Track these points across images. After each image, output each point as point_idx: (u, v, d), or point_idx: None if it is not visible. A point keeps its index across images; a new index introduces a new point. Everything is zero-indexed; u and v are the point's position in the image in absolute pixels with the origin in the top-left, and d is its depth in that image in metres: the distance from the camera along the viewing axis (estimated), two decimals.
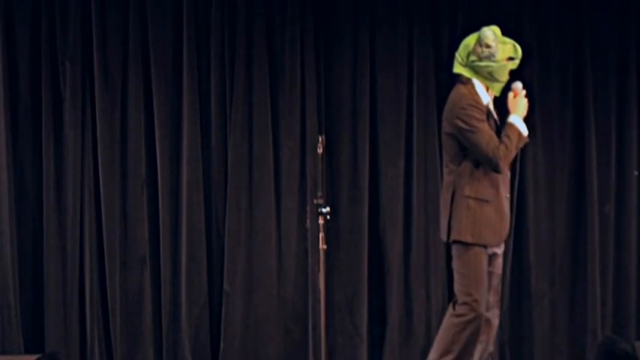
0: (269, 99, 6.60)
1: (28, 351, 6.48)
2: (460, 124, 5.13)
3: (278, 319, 6.60)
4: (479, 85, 5.22)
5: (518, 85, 5.25)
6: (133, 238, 6.59)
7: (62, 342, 6.53)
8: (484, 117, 5.16)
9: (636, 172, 6.68)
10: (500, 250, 5.33)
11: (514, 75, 6.55)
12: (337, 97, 6.66)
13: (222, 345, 6.57)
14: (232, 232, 6.58)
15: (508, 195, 5.23)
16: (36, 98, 6.58)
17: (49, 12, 6.56)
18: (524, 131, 5.19)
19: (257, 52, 6.60)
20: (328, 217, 5.33)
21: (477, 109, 5.16)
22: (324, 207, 5.30)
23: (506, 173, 5.24)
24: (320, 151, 5.38)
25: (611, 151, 6.68)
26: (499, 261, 5.31)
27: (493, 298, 5.27)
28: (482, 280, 5.14)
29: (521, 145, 5.20)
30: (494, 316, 5.30)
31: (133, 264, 6.59)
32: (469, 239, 5.16)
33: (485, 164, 5.12)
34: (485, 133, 5.12)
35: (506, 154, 5.12)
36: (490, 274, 5.24)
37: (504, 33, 6.62)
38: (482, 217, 5.16)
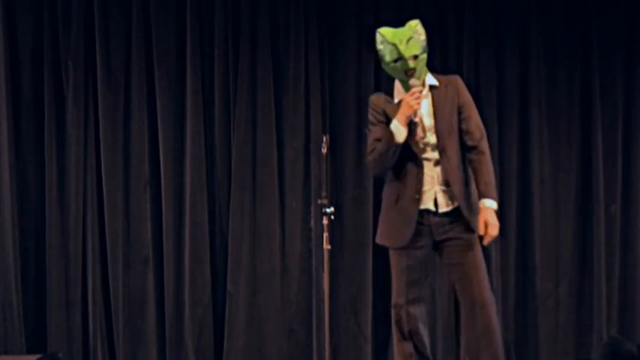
0: (273, 99, 6.59)
1: (30, 351, 6.49)
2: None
3: (282, 320, 6.59)
4: (397, 86, 5.19)
5: (411, 82, 5.12)
6: (136, 238, 6.58)
7: (65, 342, 6.54)
8: (378, 119, 5.12)
9: None
10: (455, 247, 5.17)
11: (517, 68, 6.57)
12: (341, 97, 6.65)
13: (225, 345, 6.56)
14: (236, 232, 6.57)
15: (417, 196, 5.09)
16: (38, 98, 6.58)
17: (52, 11, 6.57)
18: (398, 136, 4.99)
19: (261, 52, 6.59)
20: (332, 217, 5.31)
21: (372, 110, 5.17)
22: (329, 207, 5.28)
23: (417, 172, 5.06)
24: (324, 151, 5.36)
25: (617, 151, 6.66)
26: (464, 255, 5.11)
27: (470, 291, 5.14)
28: (399, 278, 5.14)
29: (392, 149, 5.01)
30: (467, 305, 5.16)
31: (136, 264, 6.59)
32: (378, 240, 5.25)
33: None
34: (370, 136, 5.13)
35: (375, 159, 5.07)
36: (452, 269, 5.17)
37: (510, 33, 6.64)
38: (385, 218, 5.18)
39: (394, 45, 5.05)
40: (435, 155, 5.08)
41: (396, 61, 5.06)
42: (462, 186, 5.11)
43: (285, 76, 6.62)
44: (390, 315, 6.57)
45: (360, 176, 6.60)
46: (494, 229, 5.03)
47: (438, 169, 5.08)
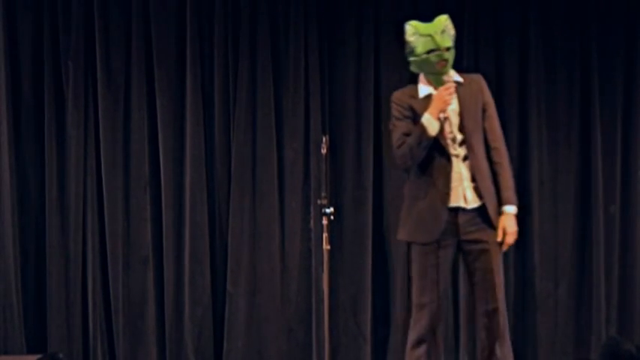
0: (273, 99, 6.60)
1: (30, 351, 6.49)
2: (389, 123, 5.21)
3: (281, 320, 6.60)
4: (422, 80, 5.20)
5: (445, 78, 5.14)
6: (136, 238, 6.59)
7: (65, 342, 6.54)
8: (404, 114, 5.13)
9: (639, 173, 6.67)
10: (479, 246, 5.20)
11: (516, 69, 6.57)
12: (341, 98, 6.65)
13: (225, 345, 6.57)
14: (236, 233, 6.58)
15: (447, 190, 5.10)
16: (39, 98, 6.59)
17: (52, 12, 6.57)
18: (431, 130, 5.01)
19: (261, 53, 6.59)
20: (332, 217, 5.32)
21: (396, 105, 5.17)
22: (328, 207, 5.29)
23: (445, 167, 5.09)
24: (324, 151, 5.37)
25: (617, 151, 6.66)
26: (485, 257, 5.15)
27: (488, 297, 5.17)
28: (422, 278, 5.12)
29: (424, 143, 5.02)
30: (479, 312, 5.22)
31: (136, 264, 6.59)
32: (400, 237, 5.23)
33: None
34: (396, 130, 5.12)
35: (404, 153, 5.06)
36: (474, 270, 5.18)
37: (509, 33, 6.63)
38: (413, 214, 5.15)
39: (430, 36, 5.07)
40: (462, 151, 5.10)
41: (429, 52, 5.07)
42: (489, 182, 5.15)
43: (285, 77, 6.62)
44: (389, 316, 6.62)
45: (359, 177, 6.61)
46: (512, 237, 5.11)
47: (466, 165, 5.10)
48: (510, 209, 5.13)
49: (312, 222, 6.51)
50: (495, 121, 5.22)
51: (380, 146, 6.64)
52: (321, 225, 5.33)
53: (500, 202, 5.14)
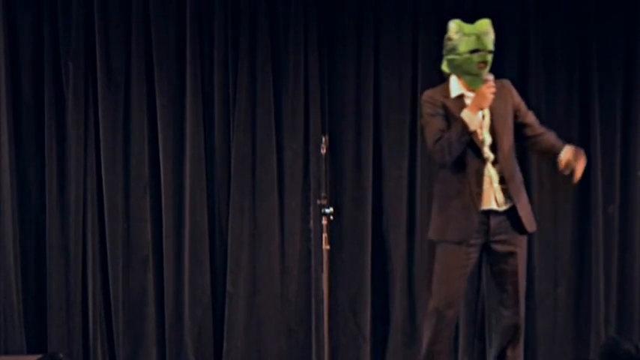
0: (272, 99, 6.60)
1: (30, 351, 6.49)
2: (420, 121, 5.18)
3: (281, 320, 6.60)
4: (454, 81, 5.19)
5: (486, 77, 5.15)
6: (136, 238, 6.59)
7: (65, 342, 6.54)
8: (437, 111, 5.11)
9: (639, 173, 6.67)
10: (506, 248, 5.22)
11: (515, 69, 6.58)
12: (341, 98, 6.66)
13: (225, 345, 6.57)
14: (235, 233, 6.59)
15: (479, 190, 5.11)
16: (39, 99, 6.59)
17: (52, 12, 6.57)
18: (471, 125, 5.02)
19: (260, 53, 6.60)
20: (331, 217, 5.33)
21: (429, 103, 5.14)
22: (328, 207, 5.30)
23: (478, 167, 5.10)
24: (323, 151, 5.38)
25: (616, 151, 6.67)
26: (511, 259, 5.19)
27: (511, 301, 5.20)
28: (447, 278, 5.10)
29: (464, 138, 5.02)
30: (503, 317, 5.25)
31: (136, 264, 6.60)
32: (433, 236, 5.20)
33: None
34: (432, 126, 5.09)
35: (443, 148, 5.03)
36: (500, 272, 5.19)
37: (509, 34, 6.64)
38: (446, 213, 5.13)
39: (475, 35, 5.08)
40: (491, 154, 5.11)
41: (473, 52, 5.07)
42: (519, 182, 5.19)
43: (285, 77, 6.63)
44: (389, 316, 6.62)
45: (359, 177, 6.62)
46: (582, 161, 5.15)
47: (496, 168, 5.12)
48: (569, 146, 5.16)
49: (311, 222, 6.51)
50: (531, 114, 5.29)
51: (379, 146, 6.65)
52: (321, 225, 5.34)
53: (556, 152, 5.16)
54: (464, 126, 5.00)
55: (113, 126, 6.58)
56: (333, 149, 6.48)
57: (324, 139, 5.38)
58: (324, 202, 5.30)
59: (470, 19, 6.65)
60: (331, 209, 5.31)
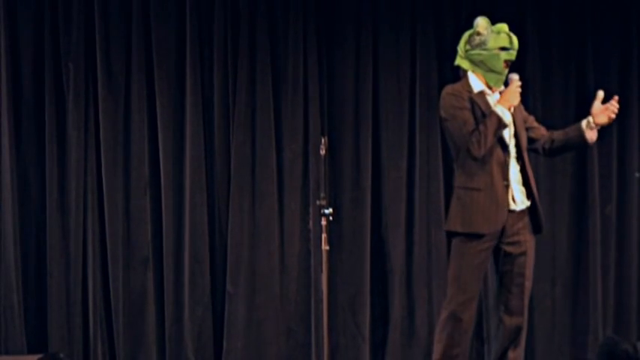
0: (272, 100, 6.61)
1: (31, 351, 6.48)
2: (441, 113, 5.14)
3: (281, 320, 6.61)
4: (472, 77, 5.18)
5: (512, 76, 5.16)
6: (136, 238, 6.60)
7: (65, 342, 6.54)
8: (463, 105, 5.07)
9: (637, 174, 6.69)
10: (517, 249, 5.18)
11: (513, 69, 6.59)
12: (340, 99, 6.67)
13: (225, 345, 6.58)
14: (235, 233, 6.60)
15: (506, 182, 5.11)
16: (39, 99, 6.59)
17: (53, 13, 6.57)
18: (505, 118, 5.02)
19: (260, 54, 6.61)
20: (331, 218, 5.33)
21: (454, 96, 5.09)
22: (327, 208, 5.30)
23: (504, 161, 5.12)
24: (323, 152, 5.39)
25: (612, 152, 6.69)
26: (520, 260, 5.17)
27: (515, 303, 5.20)
28: (466, 278, 5.06)
29: (500, 131, 5.02)
30: (503, 323, 5.23)
31: (136, 264, 6.60)
32: (459, 228, 5.09)
33: (461, 151, 5.07)
34: (459, 119, 5.05)
35: (479, 140, 4.99)
36: (507, 273, 5.20)
37: None
38: (473, 205, 5.07)
39: (507, 34, 5.08)
40: (514, 150, 5.14)
41: (503, 49, 5.07)
42: (534, 183, 5.18)
43: (284, 78, 6.64)
44: (388, 316, 6.64)
45: (358, 177, 6.63)
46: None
47: (516, 166, 5.13)
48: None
49: (311, 222, 6.51)
50: (540, 126, 5.33)
51: (378, 147, 6.67)
52: (320, 225, 5.34)
53: (570, 131, 5.26)
54: (499, 119, 5.00)
55: (113, 126, 6.59)
56: (333, 150, 6.50)
57: (323, 140, 5.39)
58: (323, 202, 5.31)
59: (469, 19, 6.69)
60: (330, 210, 5.32)
